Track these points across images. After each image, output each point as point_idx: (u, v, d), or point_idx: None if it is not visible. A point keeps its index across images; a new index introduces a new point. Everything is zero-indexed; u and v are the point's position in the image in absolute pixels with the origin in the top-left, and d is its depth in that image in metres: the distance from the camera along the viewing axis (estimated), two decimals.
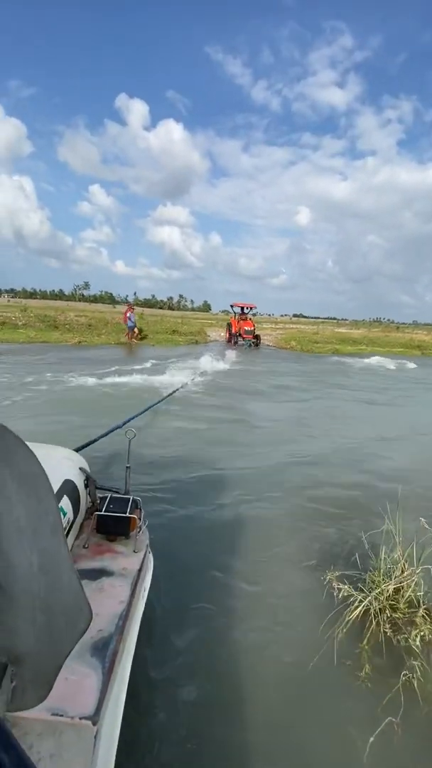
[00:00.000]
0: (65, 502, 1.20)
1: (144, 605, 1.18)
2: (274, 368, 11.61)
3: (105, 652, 0.86)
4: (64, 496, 1.22)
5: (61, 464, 1.37)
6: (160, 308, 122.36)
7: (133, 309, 15.96)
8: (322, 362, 13.95)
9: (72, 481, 1.31)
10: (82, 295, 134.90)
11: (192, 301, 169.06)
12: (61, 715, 0.70)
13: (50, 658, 0.44)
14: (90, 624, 0.48)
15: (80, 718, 0.70)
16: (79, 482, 1.36)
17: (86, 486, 1.40)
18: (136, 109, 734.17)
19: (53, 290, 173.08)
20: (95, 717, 0.72)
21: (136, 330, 15.60)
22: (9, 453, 0.37)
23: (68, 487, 1.27)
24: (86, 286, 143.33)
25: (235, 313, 20.28)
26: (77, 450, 1.84)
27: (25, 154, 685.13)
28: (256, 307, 21.81)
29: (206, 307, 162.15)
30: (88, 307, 35.66)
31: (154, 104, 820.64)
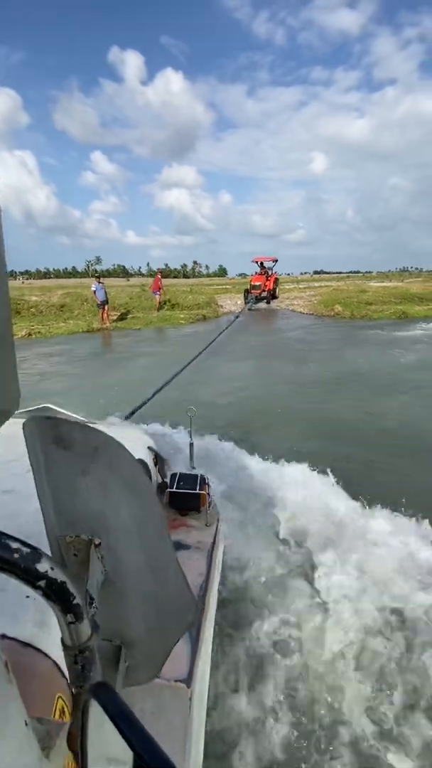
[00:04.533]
0: None
1: (219, 578, 1.20)
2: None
3: None
4: None
5: (133, 444, 1.37)
6: (175, 277, 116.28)
7: (101, 280, 11.90)
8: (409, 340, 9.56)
9: (143, 460, 1.39)
10: (95, 270, 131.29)
11: (207, 266, 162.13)
12: (159, 677, 0.76)
13: (159, 644, 0.49)
14: (197, 617, 0.52)
15: (175, 681, 0.82)
16: (149, 461, 1.48)
17: (155, 464, 1.54)
18: (131, 62, 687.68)
19: (66, 268, 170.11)
20: (189, 680, 0.83)
21: (107, 308, 11.68)
22: (114, 460, 0.41)
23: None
24: (98, 260, 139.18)
25: (257, 271, 17.32)
26: (126, 418, 2.27)
27: (22, 126, 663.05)
28: (275, 261, 18.31)
29: (222, 272, 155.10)
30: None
31: (149, 54, 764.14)
